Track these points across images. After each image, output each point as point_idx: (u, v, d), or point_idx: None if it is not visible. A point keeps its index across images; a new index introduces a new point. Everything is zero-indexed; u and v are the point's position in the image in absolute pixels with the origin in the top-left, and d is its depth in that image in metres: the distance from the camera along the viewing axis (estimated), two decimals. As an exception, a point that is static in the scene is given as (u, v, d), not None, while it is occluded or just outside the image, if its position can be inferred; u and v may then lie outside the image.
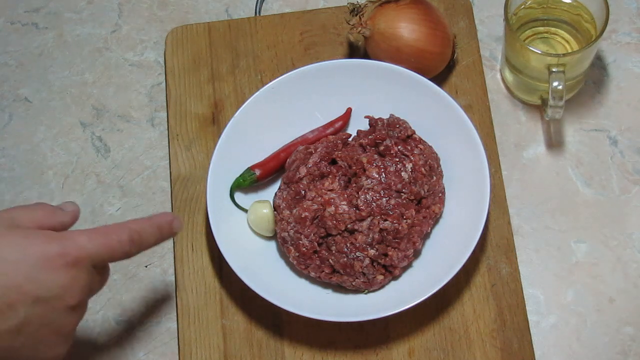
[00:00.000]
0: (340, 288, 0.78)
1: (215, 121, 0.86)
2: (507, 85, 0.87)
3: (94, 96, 0.90)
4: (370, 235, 0.75)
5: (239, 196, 0.81)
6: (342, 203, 0.76)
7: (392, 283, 0.77)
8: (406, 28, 0.81)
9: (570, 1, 0.82)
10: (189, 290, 0.80)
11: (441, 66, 0.84)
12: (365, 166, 0.77)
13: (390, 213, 0.75)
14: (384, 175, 0.76)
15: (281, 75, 0.82)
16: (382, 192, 0.76)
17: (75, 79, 0.91)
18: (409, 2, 0.82)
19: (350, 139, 0.82)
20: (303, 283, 0.78)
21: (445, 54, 0.83)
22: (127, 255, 0.64)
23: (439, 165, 0.79)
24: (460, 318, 0.78)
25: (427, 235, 0.79)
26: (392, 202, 0.75)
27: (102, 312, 0.81)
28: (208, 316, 0.79)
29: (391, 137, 0.78)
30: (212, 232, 0.77)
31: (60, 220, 0.63)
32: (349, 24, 0.83)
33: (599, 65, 0.87)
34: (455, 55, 0.86)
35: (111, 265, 0.83)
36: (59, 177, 0.87)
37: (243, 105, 0.81)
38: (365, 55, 0.86)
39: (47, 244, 0.59)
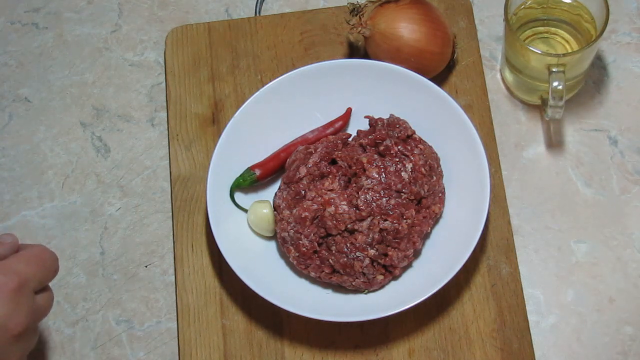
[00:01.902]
0: (340, 288, 0.78)
1: (215, 121, 0.86)
2: (507, 85, 0.87)
3: (94, 96, 0.90)
4: (370, 235, 0.75)
5: (239, 196, 0.81)
6: (342, 203, 0.76)
7: (392, 283, 0.77)
8: (406, 28, 0.81)
9: (570, 1, 0.82)
10: (189, 290, 0.80)
11: (441, 66, 0.84)
12: (365, 166, 0.77)
13: (390, 213, 0.75)
14: (384, 175, 0.76)
15: (281, 75, 0.82)
16: (382, 192, 0.76)
17: (75, 79, 0.91)
18: (409, 2, 0.82)
19: (350, 139, 0.82)
20: (303, 283, 0.78)
21: (445, 54, 0.83)
22: (56, 273, 0.64)
23: (439, 165, 0.79)
24: (460, 318, 0.78)
25: (427, 235, 0.79)
26: (392, 202, 0.75)
27: (102, 312, 0.81)
28: (208, 316, 0.79)
29: (391, 137, 0.78)
30: (212, 232, 0.77)
31: (0, 252, 0.63)
32: (349, 24, 0.83)
33: (599, 65, 0.87)
34: (455, 55, 0.86)
35: (111, 265, 0.83)
36: (59, 177, 0.87)
37: (243, 105, 0.81)
38: (365, 55, 0.86)
39: None
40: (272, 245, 0.80)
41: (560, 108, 0.79)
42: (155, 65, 0.91)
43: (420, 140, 0.79)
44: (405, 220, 0.75)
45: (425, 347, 0.77)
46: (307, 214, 0.76)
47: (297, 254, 0.76)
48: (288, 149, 0.82)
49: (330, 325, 0.76)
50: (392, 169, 0.76)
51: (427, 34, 0.81)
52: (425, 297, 0.73)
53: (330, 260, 0.76)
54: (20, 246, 0.65)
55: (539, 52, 0.77)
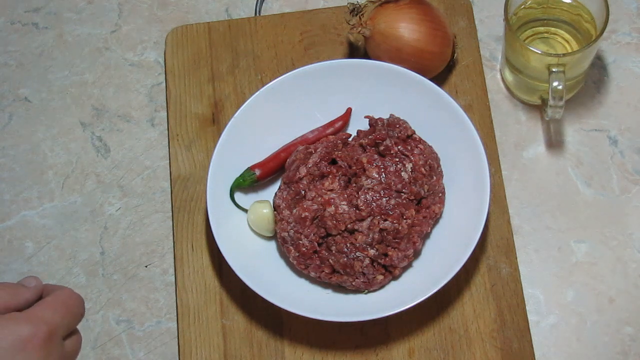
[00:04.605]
0: (340, 288, 0.78)
1: (215, 121, 0.86)
2: (507, 85, 0.87)
3: (94, 96, 0.90)
4: (370, 235, 0.75)
5: (239, 196, 0.81)
6: (342, 203, 0.76)
7: (392, 283, 0.77)
8: (406, 28, 0.81)
9: (570, 1, 0.82)
10: (189, 290, 0.80)
11: (441, 66, 0.84)
12: (365, 166, 0.77)
13: (390, 213, 0.75)
14: (384, 175, 0.76)
15: (281, 75, 0.82)
16: (382, 192, 0.76)
17: (75, 79, 0.91)
18: (409, 2, 0.82)
19: (350, 139, 0.82)
20: (303, 283, 0.78)
21: (445, 54, 0.83)
22: (82, 316, 0.64)
23: (439, 165, 0.79)
24: (460, 318, 0.78)
25: (427, 235, 0.79)
26: (392, 202, 0.75)
27: (102, 312, 0.81)
28: (208, 316, 0.79)
29: (391, 137, 0.78)
30: (212, 232, 0.77)
31: (25, 298, 0.61)
32: (349, 24, 0.83)
33: (599, 65, 0.87)
34: (455, 55, 0.86)
35: (111, 265, 0.83)
36: (59, 177, 0.87)
37: (243, 105, 0.81)
38: (365, 55, 0.86)
39: (17, 327, 0.58)
40: (272, 245, 0.80)
41: (560, 108, 0.79)
42: (155, 65, 0.91)
43: (420, 140, 0.79)
44: (405, 220, 0.75)
45: (425, 347, 0.77)
46: (307, 214, 0.76)
47: (297, 254, 0.76)
48: (288, 149, 0.82)
49: (330, 325, 0.76)
50: (392, 169, 0.76)
51: (427, 34, 0.81)
52: (425, 297, 0.73)
53: (330, 260, 0.76)
54: (45, 287, 0.64)
55: (539, 52, 0.77)
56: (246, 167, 0.81)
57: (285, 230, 0.77)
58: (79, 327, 0.81)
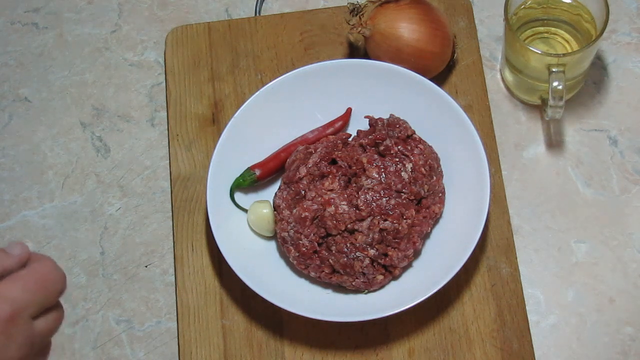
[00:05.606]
0: (340, 288, 0.78)
1: (215, 121, 0.86)
2: (507, 85, 0.87)
3: (94, 96, 0.90)
4: (370, 235, 0.75)
5: (239, 196, 0.81)
6: (342, 203, 0.76)
7: (392, 283, 0.77)
8: (406, 28, 0.81)
9: (570, 1, 0.82)
10: (189, 290, 0.80)
11: (441, 66, 0.84)
12: (365, 166, 0.77)
13: (390, 213, 0.75)
14: (384, 175, 0.76)
15: (281, 75, 0.82)
16: (382, 192, 0.76)
17: (75, 79, 0.91)
18: (409, 2, 0.82)
19: (350, 139, 0.82)
20: (303, 283, 0.78)
21: (445, 54, 0.83)
22: (61, 294, 0.57)
23: (439, 165, 0.79)
24: (460, 318, 0.78)
25: (427, 235, 0.79)
26: (392, 202, 0.75)
27: (102, 312, 0.81)
28: (208, 316, 0.79)
29: (391, 137, 0.78)
30: (212, 232, 0.77)
31: (3, 266, 0.55)
32: (349, 24, 0.83)
33: (599, 65, 0.87)
34: (455, 55, 0.86)
35: (111, 265, 0.83)
36: (59, 177, 0.87)
37: (243, 105, 0.81)
38: (365, 55, 0.86)
39: None
40: (272, 245, 0.80)
41: (560, 108, 0.79)
42: (155, 65, 0.91)
43: (420, 140, 0.79)
44: (405, 220, 0.75)
45: (425, 347, 0.77)
46: (307, 214, 0.76)
47: (297, 254, 0.76)
48: (288, 149, 0.82)
49: (330, 325, 0.76)
50: (392, 169, 0.76)
51: (427, 34, 0.81)
52: (425, 297, 0.73)
53: (330, 260, 0.76)
54: (31, 256, 0.57)
55: (539, 52, 0.77)
56: (246, 167, 0.81)
57: (285, 230, 0.77)
58: (78, 326, 0.82)
